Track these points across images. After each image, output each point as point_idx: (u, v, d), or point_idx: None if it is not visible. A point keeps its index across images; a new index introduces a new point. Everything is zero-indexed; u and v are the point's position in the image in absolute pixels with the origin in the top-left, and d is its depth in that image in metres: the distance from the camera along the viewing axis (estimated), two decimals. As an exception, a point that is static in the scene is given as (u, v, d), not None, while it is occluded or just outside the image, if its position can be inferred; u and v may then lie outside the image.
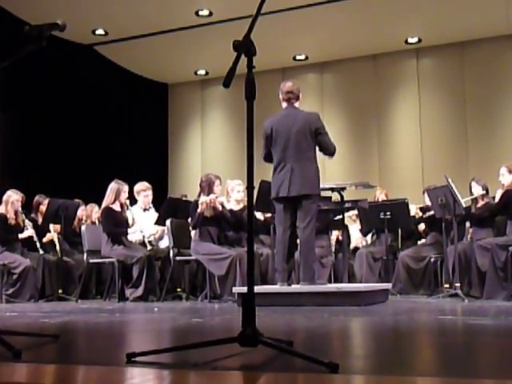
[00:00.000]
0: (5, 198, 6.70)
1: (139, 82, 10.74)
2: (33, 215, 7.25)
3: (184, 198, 7.68)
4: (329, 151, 5.10)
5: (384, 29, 9.19)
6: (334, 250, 7.44)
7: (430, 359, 2.12)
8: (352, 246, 7.86)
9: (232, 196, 6.56)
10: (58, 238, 7.07)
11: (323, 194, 5.47)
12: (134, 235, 6.76)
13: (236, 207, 6.47)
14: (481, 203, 6.30)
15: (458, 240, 5.80)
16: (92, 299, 7.04)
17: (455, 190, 5.72)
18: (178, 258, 6.35)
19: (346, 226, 6.67)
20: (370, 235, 7.65)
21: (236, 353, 2.01)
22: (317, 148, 5.12)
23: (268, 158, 5.21)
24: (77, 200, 7.35)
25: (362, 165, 10.04)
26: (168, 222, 6.42)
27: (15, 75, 7.48)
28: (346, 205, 5.68)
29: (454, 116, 9.74)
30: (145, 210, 7.09)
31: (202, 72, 10.98)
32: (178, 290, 6.61)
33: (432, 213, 6.40)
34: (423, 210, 6.90)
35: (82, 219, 7.59)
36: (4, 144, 8.49)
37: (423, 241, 7.08)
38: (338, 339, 2.82)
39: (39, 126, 8.72)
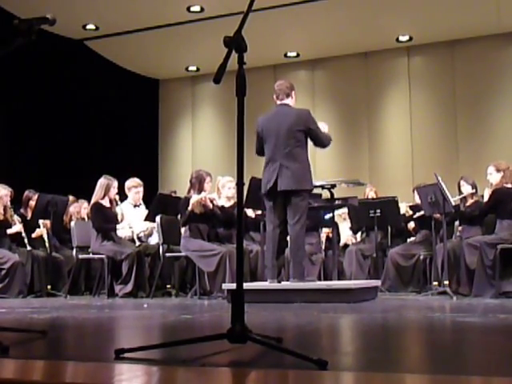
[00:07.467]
0: (-6, 192, 6.66)
1: (130, 77, 10.69)
2: (22, 210, 7.20)
3: (174, 195, 7.66)
4: (323, 145, 5.24)
5: (375, 27, 9.20)
6: (323, 247, 7.45)
7: (418, 356, 2.13)
8: (342, 243, 7.87)
9: (222, 192, 6.56)
10: (48, 234, 7.04)
11: (313, 191, 5.48)
12: (123, 231, 6.73)
13: (227, 204, 6.47)
14: (470, 201, 6.34)
15: (447, 238, 5.83)
16: (81, 295, 7.01)
17: (445, 189, 5.73)
18: (167, 254, 6.34)
19: (336, 224, 6.68)
20: (359, 233, 7.66)
21: (225, 349, 2.01)
22: (308, 145, 5.13)
23: (260, 152, 5.24)
24: (71, 197, 7.33)
25: (353, 162, 10.06)
26: (158, 218, 6.41)
27: (3, 69, 7.41)
28: (336, 202, 5.69)
29: (444, 114, 9.78)
30: (135, 206, 7.06)
31: (193, 68, 10.95)
32: (168, 286, 6.60)
33: (422, 212, 6.42)
34: (413, 208, 6.92)
35: (71, 215, 7.56)
36: (-7, 138, 8.44)
37: (413, 239, 7.10)
38: (328, 336, 2.82)
39: (28, 121, 8.66)
